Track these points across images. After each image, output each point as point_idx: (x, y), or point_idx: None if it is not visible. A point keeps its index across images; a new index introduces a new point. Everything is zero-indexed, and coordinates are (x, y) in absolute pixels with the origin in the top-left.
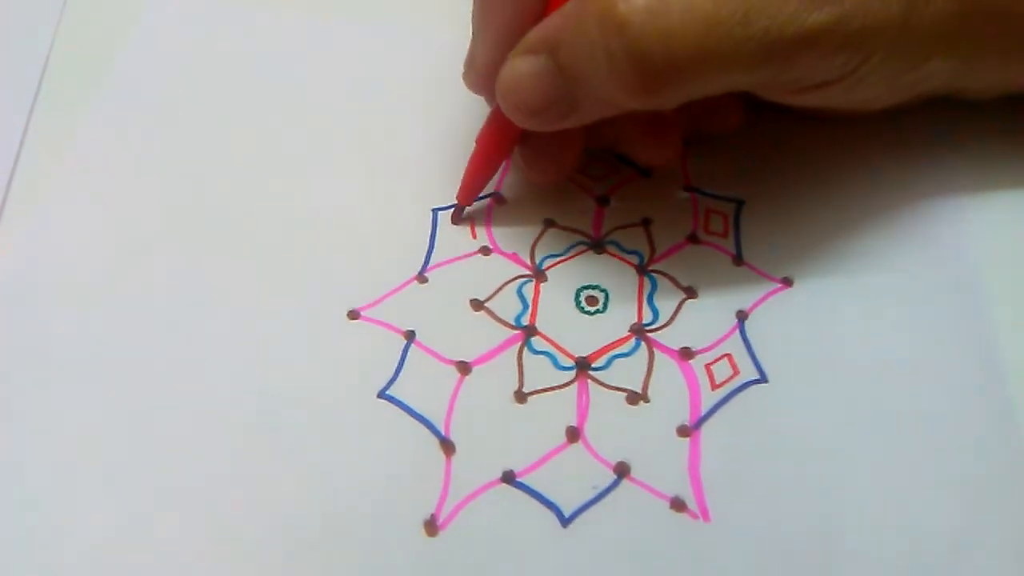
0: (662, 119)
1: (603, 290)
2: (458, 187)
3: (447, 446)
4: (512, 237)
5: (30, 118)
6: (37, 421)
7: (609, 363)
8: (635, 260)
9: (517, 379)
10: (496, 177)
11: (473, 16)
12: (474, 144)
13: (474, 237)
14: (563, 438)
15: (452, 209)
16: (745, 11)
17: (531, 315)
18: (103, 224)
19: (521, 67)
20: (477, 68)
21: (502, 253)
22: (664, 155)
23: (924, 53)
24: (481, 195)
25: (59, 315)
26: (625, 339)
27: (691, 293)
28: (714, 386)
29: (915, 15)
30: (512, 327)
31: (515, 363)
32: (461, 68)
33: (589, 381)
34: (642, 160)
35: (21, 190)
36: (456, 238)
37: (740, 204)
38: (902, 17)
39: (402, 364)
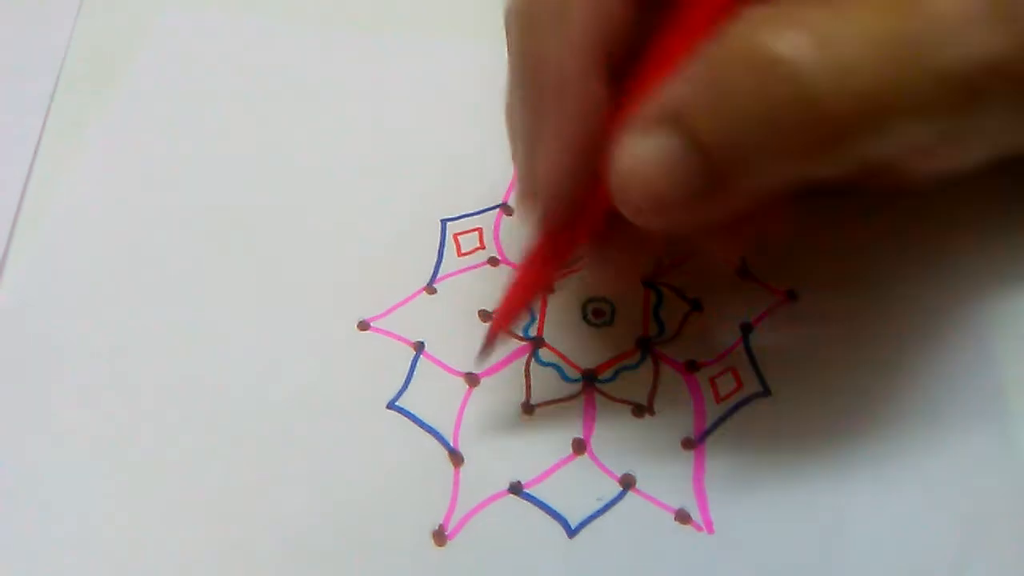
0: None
1: (610, 303)
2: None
3: (455, 457)
4: (520, 248)
5: (44, 127)
6: (49, 430)
7: (616, 375)
8: None
9: (524, 391)
10: (504, 188)
11: (517, 126)
12: (515, 270)
13: (482, 247)
14: (569, 450)
15: (482, 342)
16: (932, 32)
17: (539, 327)
18: (114, 234)
19: (645, 149)
20: (544, 185)
21: (510, 264)
22: (737, 251)
23: None
24: (489, 207)
25: (72, 322)
26: (631, 352)
27: (696, 306)
28: (718, 399)
29: None
30: (520, 339)
31: (522, 375)
32: (470, 79)
33: (596, 393)
34: (711, 256)
35: (34, 199)
36: (464, 249)
37: None
38: None
39: (411, 375)
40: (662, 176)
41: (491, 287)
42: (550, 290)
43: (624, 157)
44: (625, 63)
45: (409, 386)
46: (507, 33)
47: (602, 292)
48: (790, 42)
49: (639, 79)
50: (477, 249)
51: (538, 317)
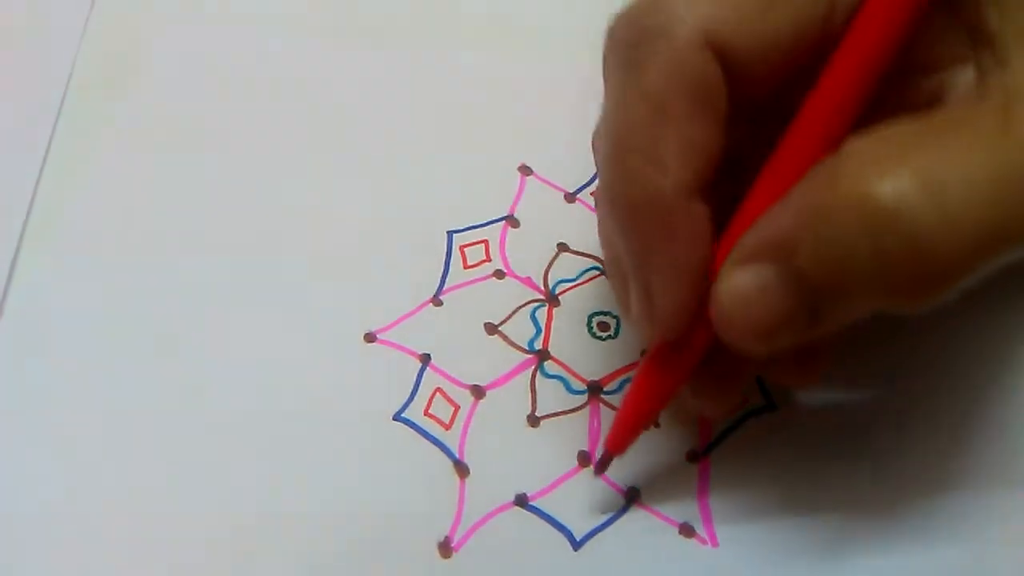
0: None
1: (615, 316)
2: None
3: (461, 469)
4: (526, 260)
5: (53, 133)
6: (55, 437)
7: (621, 387)
8: None
9: (530, 403)
10: (510, 200)
11: (633, 258)
12: (631, 385)
13: (488, 260)
14: (575, 463)
15: (598, 460)
16: None
17: (544, 339)
18: (121, 242)
19: (748, 281)
20: (665, 316)
21: (516, 277)
22: (811, 379)
23: None
24: (495, 219)
25: (78, 330)
26: (637, 363)
27: None
28: None
29: None
30: (525, 351)
31: (528, 387)
32: (477, 90)
33: (601, 405)
34: (785, 384)
35: (44, 205)
36: (471, 261)
37: None
38: None
39: (417, 387)
40: (763, 306)
41: (496, 300)
42: (674, 395)
43: (727, 289)
44: (722, 181)
45: (415, 398)
46: (595, 152)
47: (707, 417)
48: (898, 190)
49: (741, 208)
50: (483, 261)
51: (544, 330)
